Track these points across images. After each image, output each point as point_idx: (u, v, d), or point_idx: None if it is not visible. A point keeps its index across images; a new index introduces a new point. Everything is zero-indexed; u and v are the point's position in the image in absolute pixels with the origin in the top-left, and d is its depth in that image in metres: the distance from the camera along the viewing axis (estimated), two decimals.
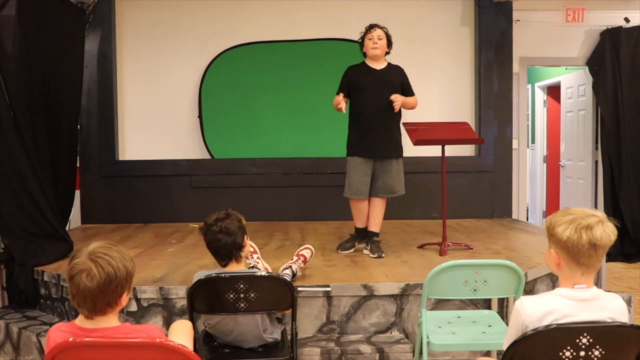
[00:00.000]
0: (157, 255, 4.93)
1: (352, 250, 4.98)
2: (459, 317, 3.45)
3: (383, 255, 4.73)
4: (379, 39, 4.77)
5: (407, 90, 4.86)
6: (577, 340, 1.95)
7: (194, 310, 2.90)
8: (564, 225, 2.03)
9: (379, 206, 4.90)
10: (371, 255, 4.77)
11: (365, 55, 4.90)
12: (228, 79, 6.96)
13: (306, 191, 6.87)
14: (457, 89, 7.14)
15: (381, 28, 4.83)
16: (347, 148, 4.90)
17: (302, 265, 4.01)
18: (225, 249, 2.95)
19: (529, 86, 8.76)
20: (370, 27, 4.84)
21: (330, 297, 3.92)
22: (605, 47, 7.00)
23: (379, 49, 4.77)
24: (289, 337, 3.11)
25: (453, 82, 7.13)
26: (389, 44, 4.87)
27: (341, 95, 4.74)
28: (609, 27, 7.03)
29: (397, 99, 4.64)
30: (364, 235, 4.97)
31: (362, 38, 4.88)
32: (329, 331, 3.93)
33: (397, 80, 4.82)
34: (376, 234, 4.91)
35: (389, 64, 4.90)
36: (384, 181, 4.79)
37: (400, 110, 4.82)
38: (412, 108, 4.93)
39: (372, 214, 4.91)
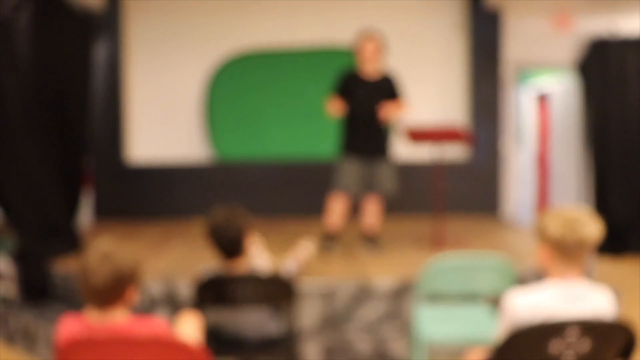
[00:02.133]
0: (163, 250, 5.00)
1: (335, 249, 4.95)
2: (454, 312, 3.50)
3: (381, 252, 4.83)
4: (373, 49, 4.79)
5: (397, 95, 4.91)
6: (565, 334, 2.04)
7: (198, 305, 2.95)
8: (553, 223, 2.13)
9: (374, 205, 4.96)
10: (369, 252, 4.86)
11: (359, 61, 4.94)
12: (235, 83, 7.01)
13: (307, 191, 6.91)
14: (449, 92, 7.20)
15: (376, 38, 4.85)
16: (339, 150, 4.98)
17: (302, 263, 4.07)
18: (232, 243, 2.98)
19: (520, 90, 8.88)
20: (366, 37, 4.85)
21: (330, 294, 3.99)
22: (594, 52, 7.12)
23: (373, 61, 4.81)
24: (289, 333, 3.15)
25: (445, 86, 7.20)
26: (383, 52, 4.91)
27: (337, 102, 4.81)
28: (598, 33, 7.15)
29: (387, 114, 4.71)
30: (337, 234, 4.98)
31: (357, 47, 4.88)
32: (329, 327, 3.99)
33: (388, 88, 4.88)
34: (373, 232, 4.99)
35: (382, 72, 4.94)
36: (376, 182, 4.86)
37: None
38: (401, 111, 4.97)
39: (368, 212, 4.97)
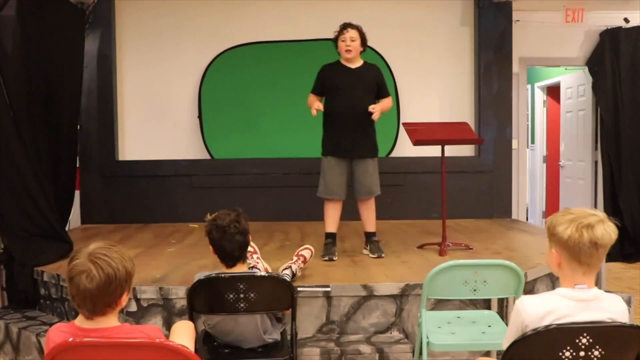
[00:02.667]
0: (156, 255, 4.94)
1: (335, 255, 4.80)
2: (458, 317, 3.46)
3: (383, 255, 4.73)
4: (352, 40, 4.68)
5: (381, 90, 4.81)
6: (577, 341, 1.96)
7: (193, 310, 2.90)
8: (565, 225, 2.03)
9: (367, 206, 4.85)
10: (371, 255, 4.77)
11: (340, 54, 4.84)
12: (228, 79, 6.97)
13: (306, 191, 6.81)
14: (456, 89, 7.14)
15: (354, 27, 4.74)
16: (322, 148, 4.85)
17: (301, 265, 4.01)
18: (239, 250, 2.98)
19: (529, 86, 8.77)
20: (343, 28, 4.75)
21: (330, 297, 3.93)
22: (605, 47, 7.00)
23: (352, 52, 4.70)
24: (288, 337, 3.11)
25: (453, 83, 7.14)
26: (363, 42, 4.78)
27: (316, 102, 4.70)
28: (609, 28, 7.03)
29: (374, 109, 4.59)
30: (334, 238, 4.90)
31: (336, 38, 4.78)
32: (329, 331, 3.94)
33: (372, 79, 4.77)
34: (373, 234, 4.89)
35: (364, 62, 4.83)
36: (362, 182, 4.73)
37: None
38: (388, 109, 4.88)
39: (363, 215, 4.87)
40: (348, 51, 4.69)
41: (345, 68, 4.76)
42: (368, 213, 4.87)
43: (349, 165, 4.75)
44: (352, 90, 4.67)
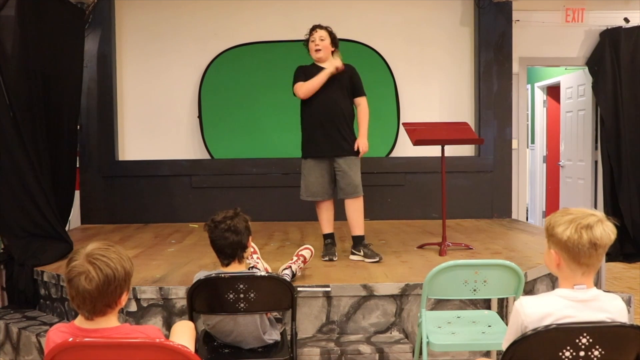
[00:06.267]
0: (156, 255, 4.93)
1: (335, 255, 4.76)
2: (458, 317, 3.45)
3: (381, 257, 4.60)
4: (321, 39, 4.69)
5: (357, 89, 4.76)
6: (577, 341, 1.95)
7: (193, 310, 2.90)
8: (564, 225, 2.02)
9: (354, 207, 4.71)
10: (367, 260, 4.60)
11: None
12: (228, 79, 6.97)
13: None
14: (456, 89, 7.14)
15: (323, 28, 4.74)
16: (301, 150, 4.80)
17: (301, 265, 4.01)
18: (231, 248, 2.96)
19: (529, 86, 8.76)
20: (312, 30, 4.76)
21: (330, 297, 3.92)
22: (605, 47, 7.00)
23: (322, 51, 4.69)
24: (288, 337, 3.11)
25: (453, 82, 7.14)
26: (334, 41, 4.77)
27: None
28: (609, 27, 7.03)
29: (359, 145, 4.62)
30: (333, 238, 4.87)
31: (307, 41, 4.79)
32: (329, 331, 3.93)
33: (346, 78, 4.72)
34: (363, 237, 4.75)
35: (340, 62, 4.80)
36: (347, 181, 4.65)
37: (352, 108, 4.76)
38: (367, 116, 4.79)
39: (351, 217, 4.73)
40: (317, 50, 4.70)
41: (319, 69, 4.71)
42: (355, 214, 4.71)
43: (330, 165, 4.70)
44: (328, 91, 4.63)
